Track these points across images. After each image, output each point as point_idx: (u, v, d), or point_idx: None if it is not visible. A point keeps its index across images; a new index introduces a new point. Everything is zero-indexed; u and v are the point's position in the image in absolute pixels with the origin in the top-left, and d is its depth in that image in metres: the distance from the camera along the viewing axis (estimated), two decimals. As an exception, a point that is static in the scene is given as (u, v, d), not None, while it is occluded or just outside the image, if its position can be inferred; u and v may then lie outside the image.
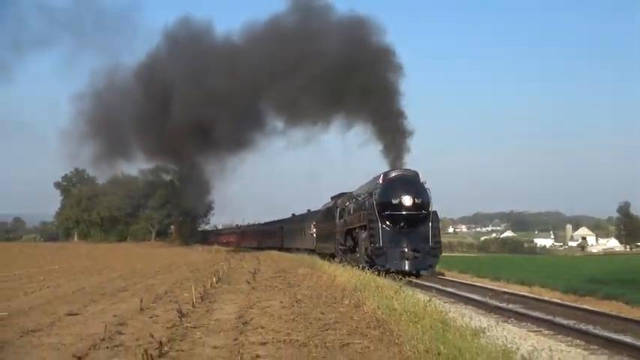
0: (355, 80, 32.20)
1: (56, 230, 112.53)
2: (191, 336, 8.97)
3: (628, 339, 10.63)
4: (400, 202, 23.29)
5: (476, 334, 8.98)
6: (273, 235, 56.44)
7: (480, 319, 12.40)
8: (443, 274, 28.18)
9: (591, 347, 10.19)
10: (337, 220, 32.08)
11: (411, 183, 24.21)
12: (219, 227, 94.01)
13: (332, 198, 35.74)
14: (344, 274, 17.77)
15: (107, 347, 8.12)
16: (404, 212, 23.26)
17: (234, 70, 40.38)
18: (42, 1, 78.25)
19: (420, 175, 24.80)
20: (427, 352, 7.41)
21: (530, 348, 9.13)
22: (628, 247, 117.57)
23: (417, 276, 23.31)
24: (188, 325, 9.91)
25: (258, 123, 45.64)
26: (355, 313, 11.32)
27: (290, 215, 54.19)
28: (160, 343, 7.82)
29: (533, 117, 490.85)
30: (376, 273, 20.36)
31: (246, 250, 59.38)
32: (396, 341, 8.43)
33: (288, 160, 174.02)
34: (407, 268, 22.67)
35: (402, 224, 23.55)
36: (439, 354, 7.25)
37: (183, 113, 41.47)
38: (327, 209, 36.09)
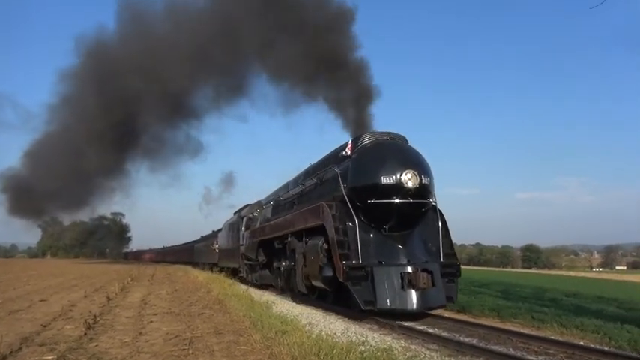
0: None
1: (37, 252, 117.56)
2: (113, 311, 9.38)
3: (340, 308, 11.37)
4: (398, 182, 9.34)
5: (268, 306, 10.09)
6: (187, 253, 45.68)
7: (272, 298, 13.14)
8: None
9: (328, 313, 10.88)
10: (242, 232, 19.04)
11: (409, 152, 10.09)
12: (149, 248, 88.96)
13: (235, 213, 23.23)
14: (202, 275, 18.93)
15: (63, 319, 8.33)
16: (402, 200, 9.35)
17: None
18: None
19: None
20: (244, 315, 8.18)
21: (298, 313, 10.10)
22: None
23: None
24: (112, 305, 10.28)
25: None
26: (207, 296, 11.65)
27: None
28: (95, 315, 8.20)
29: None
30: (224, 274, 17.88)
31: (156, 263, 52.94)
32: (228, 310, 9.02)
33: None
34: (415, 305, 8.77)
35: (392, 223, 9.61)
36: (250, 316, 7.99)
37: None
38: (230, 224, 23.35)
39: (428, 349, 7.24)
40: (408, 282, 8.73)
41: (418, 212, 9.75)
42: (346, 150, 10.46)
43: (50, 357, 5.45)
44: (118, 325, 7.67)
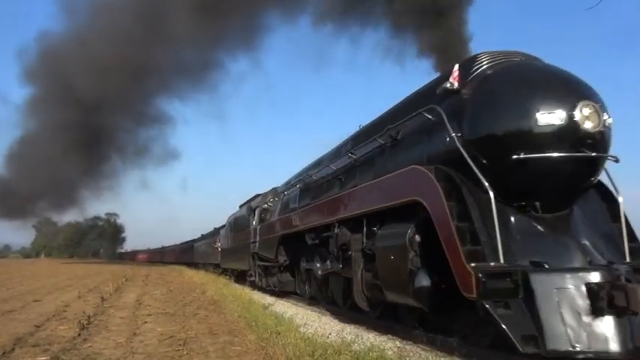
0: None
1: (30, 252, 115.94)
2: (107, 311, 9.32)
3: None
4: (570, 122, 4.44)
5: (265, 307, 10.05)
6: (186, 253, 41.99)
7: (268, 299, 12.97)
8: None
9: (324, 313, 10.59)
10: (254, 226, 15.57)
11: (575, 77, 4.88)
12: (148, 248, 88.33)
13: (241, 206, 19.47)
14: (197, 276, 18.89)
15: (56, 320, 8.26)
16: (575, 153, 4.46)
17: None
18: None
19: None
20: (239, 316, 8.10)
21: (293, 313, 9.93)
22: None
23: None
24: (106, 305, 10.21)
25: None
26: (202, 296, 11.63)
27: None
28: (88, 316, 8.17)
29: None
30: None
31: (153, 264, 51.74)
32: (223, 311, 8.98)
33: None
34: (619, 346, 3.82)
35: (549, 197, 4.74)
36: (246, 317, 7.92)
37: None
38: (236, 219, 19.65)
39: (423, 349, 7.23)
40: (608, 301, 4.13)
41: (592, 177, 5.26)
42: (451, 80, 5.73)
43: (43, 358, 5.40)
44: (112, 326, 7.57)
